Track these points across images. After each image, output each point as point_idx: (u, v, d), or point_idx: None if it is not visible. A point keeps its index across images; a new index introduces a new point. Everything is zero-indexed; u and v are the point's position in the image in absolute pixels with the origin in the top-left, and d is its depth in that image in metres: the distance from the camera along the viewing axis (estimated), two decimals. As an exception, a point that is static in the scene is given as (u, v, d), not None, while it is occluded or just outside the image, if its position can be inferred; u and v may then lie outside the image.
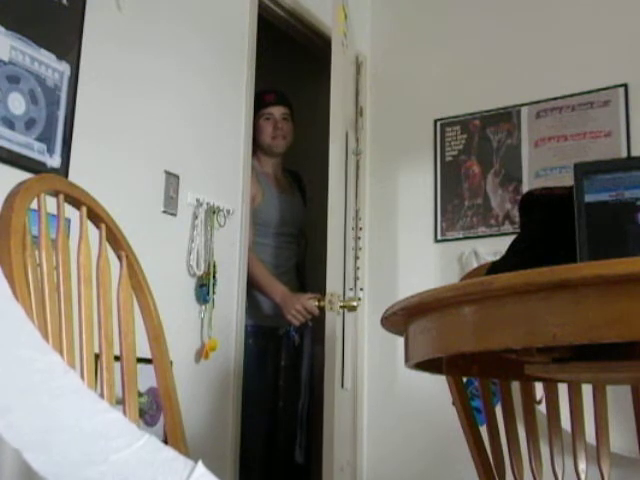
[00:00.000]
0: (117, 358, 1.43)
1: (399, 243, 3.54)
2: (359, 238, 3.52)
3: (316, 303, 2.96)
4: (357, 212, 3.55)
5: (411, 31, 3.71)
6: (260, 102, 3.20)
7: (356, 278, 3.50)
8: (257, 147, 3.20)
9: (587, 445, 1.75)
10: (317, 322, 3.12)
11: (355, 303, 2.90)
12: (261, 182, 3.20)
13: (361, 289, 3.50)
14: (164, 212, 2.57)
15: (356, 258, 3.50)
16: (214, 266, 2.68)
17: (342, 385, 2.96)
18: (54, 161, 2.19)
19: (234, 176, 2.93)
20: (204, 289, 2.66)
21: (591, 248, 1.13)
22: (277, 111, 3.31)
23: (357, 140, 3.59)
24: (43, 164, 2.16)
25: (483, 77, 3.43)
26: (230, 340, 2.80)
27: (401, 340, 1.41)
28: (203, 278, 2.66)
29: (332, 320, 2.79)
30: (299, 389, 3.25)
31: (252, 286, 3.00)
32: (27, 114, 2.12)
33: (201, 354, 2.64)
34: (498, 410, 1.73)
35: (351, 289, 3.40)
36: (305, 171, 3.64)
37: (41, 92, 2.17)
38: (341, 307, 2.83)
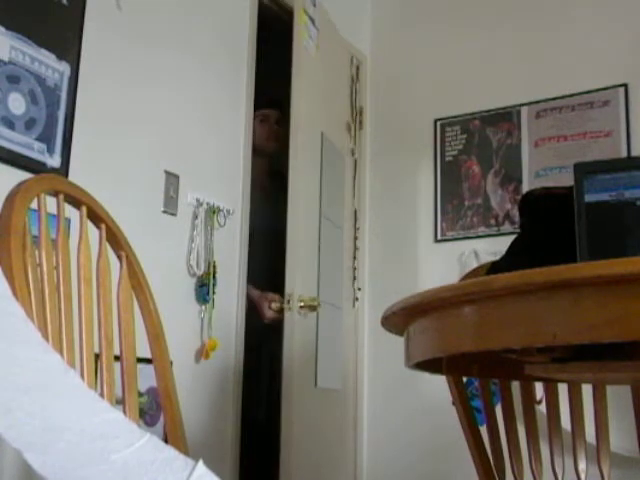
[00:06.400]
0: (117, 358, 1.44)
1: (399, 243, 3.54)
2: (357, 238, 3.54)
3: (278, 304, 3.00)
4: (355, 212, 3.56)
5: (411, 31, 3.71)
6: (255, 104, 3.21)
7: (354, 278, 3.51)
8: None
9: (587, 445, 1.75)
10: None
11: (315, 303, 2.91)
12: None
13: (359, 289, 3.51)
14: (164, 212, 2.57)
15: (354, 258, 3.51)
16: (214, 266, 2.68)
17: (315, 384, 2.99)
18: (54, 161, 2.19)
19: (234, 176, 2.93)
20: (204, 289, 2.66)
21: (591, 248, 1.13)
22: (272, 114, 3.41)
23: (355, 140, 3.60)
24: (43, 164, 2.16)
25: (483, 77, 3.43)
26: (230, 340, 2.80)
27: (401, 340, 1.41)
28: (203, 278, 2.66)
29: (291, 320, 2.82)
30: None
31: None
32: (27, 114, 2.12)
33: (201, 354, 2.64)
34: (498, 410, 1.73)
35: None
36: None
37: (41, 92, 2.17)
38: (301, 307, 2.85)
